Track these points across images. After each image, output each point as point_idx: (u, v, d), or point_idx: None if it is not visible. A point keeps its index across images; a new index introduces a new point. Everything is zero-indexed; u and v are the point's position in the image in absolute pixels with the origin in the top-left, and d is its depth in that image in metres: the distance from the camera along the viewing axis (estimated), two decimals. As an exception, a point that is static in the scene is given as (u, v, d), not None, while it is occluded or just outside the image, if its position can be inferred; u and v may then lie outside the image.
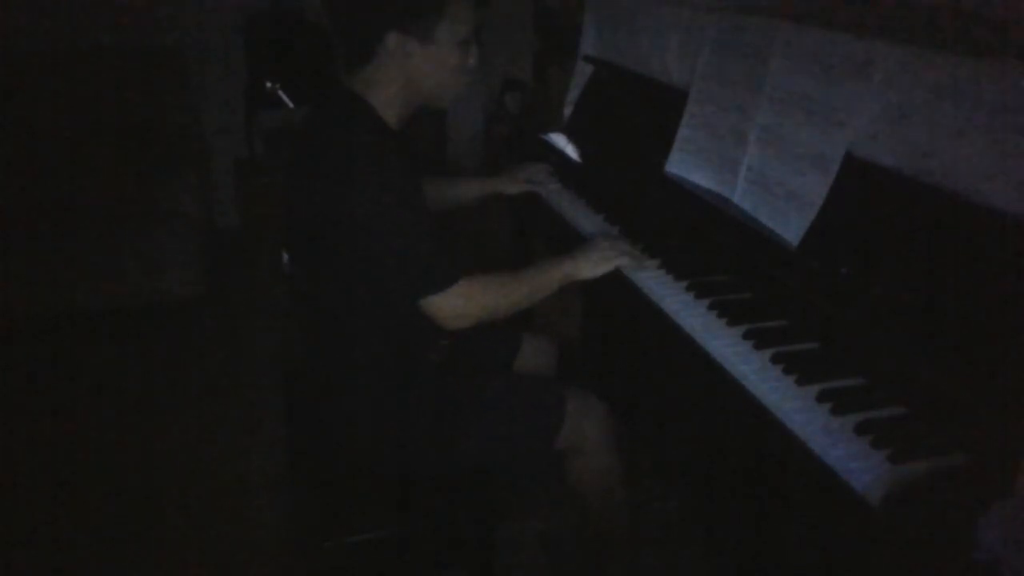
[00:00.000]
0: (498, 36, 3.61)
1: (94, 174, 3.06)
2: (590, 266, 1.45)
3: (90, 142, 3.15)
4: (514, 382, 1.58)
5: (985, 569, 0.79)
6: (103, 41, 3.35)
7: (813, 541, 1.27)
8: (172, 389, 2.61)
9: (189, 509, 2.07)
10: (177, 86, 3.37)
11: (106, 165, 3.09)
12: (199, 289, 3.07)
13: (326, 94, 1.40)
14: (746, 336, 1.22)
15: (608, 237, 1.55)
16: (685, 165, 1.66)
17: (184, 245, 3.00)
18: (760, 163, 1.46)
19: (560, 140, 2.11)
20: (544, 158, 2.06)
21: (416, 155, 1.60)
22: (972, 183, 1.09)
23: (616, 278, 1.48)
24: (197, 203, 3.08)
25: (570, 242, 1.58)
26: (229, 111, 3.59)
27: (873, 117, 1.24)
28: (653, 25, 1.89)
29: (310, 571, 1.33)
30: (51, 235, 2.86)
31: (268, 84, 3.46)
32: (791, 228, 1.34)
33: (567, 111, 2.26)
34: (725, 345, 1.21)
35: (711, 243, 1.48)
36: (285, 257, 1.49)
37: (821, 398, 1.06)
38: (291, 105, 3.47)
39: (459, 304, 1.32)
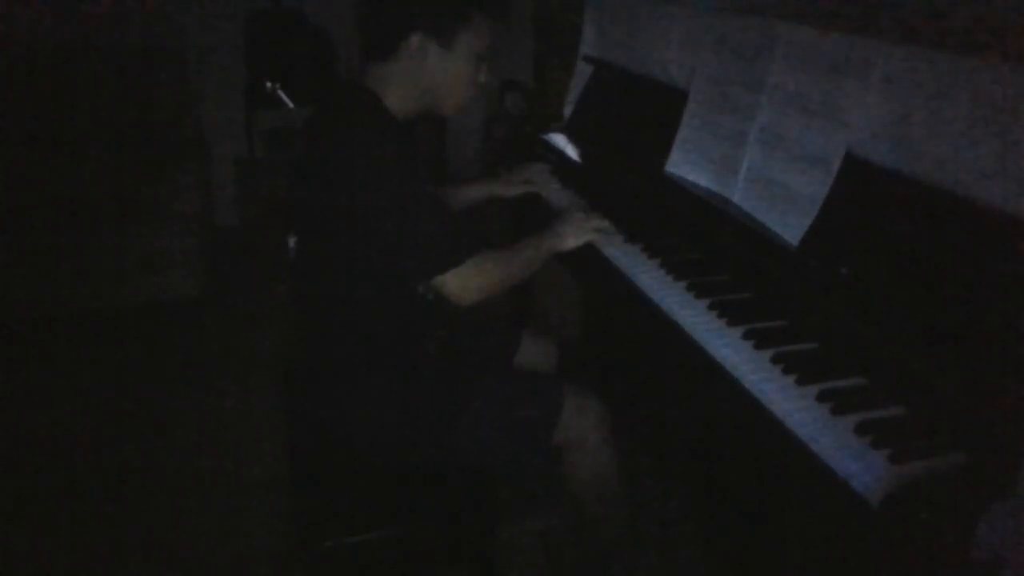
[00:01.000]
0: (498, 36, 3.60)
1: (94, 174, 3.06)
2: (572, 239, 1.54)
3: (90, 142, 3.15)
4: (512, 375, 1.60)
5: (985, 569, 0.79)
6: (103, 41, 3.35)
7: (813, 541, 1.27)
8: (172, 389, 2.61)
9: (189, 509, 2.07)
10: (177, 86, 3.37)
11: (106, 165, 3.09)
12: (199, 289, 3.07)
13: (336, 87, 1.43)
14: (746, 336, 1.22)
15: (579, 207, 1.65)
16: (685, 165, 1.66)
17: (184, 245, 3.00)
18: (760, 163, 1.46)
19: (560, 140, 2.11)
20: (544, 158, 2.06)
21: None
22: (972, 183, 1.09)
23: (616, 278, 1.48)
24: (197, 203, 3.08)
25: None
26: (229, 111, 3.59)
27: (873, 117, 1.24)
28: (653, 25, 1.89)
29: (310, 571, 1.33)
30: (51, 235, 2.85)
31: (268, 84, 3.46)
32: (791, 228, 1.34)
33: (567, 111, 2.27)
34: (725, 345, 1.21)
35: (711, 243, 1.48)
36: (291, 242, 1.51)
37: (821, 398, 1.06)
38: (291, 105, 3.47)
39: (475, 277, 1.37)
